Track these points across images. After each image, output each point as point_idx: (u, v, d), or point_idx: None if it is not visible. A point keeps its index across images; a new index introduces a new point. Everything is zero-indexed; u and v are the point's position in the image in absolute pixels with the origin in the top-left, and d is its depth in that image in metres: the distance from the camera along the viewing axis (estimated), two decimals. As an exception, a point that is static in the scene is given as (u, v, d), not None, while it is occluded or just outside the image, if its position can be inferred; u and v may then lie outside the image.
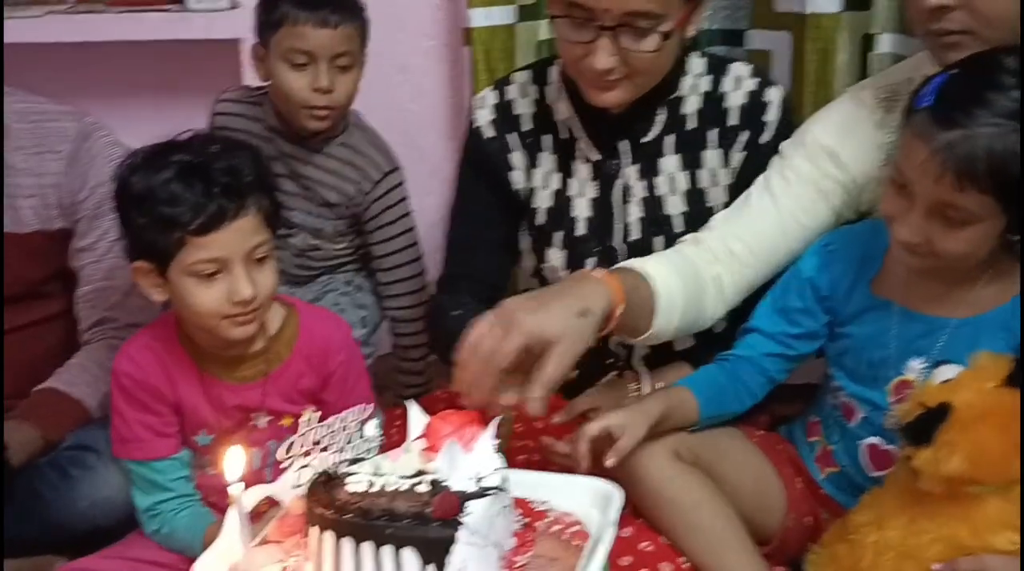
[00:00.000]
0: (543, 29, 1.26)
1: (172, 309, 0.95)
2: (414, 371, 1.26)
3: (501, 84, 1.07)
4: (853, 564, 0.82)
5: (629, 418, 0.83)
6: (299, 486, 0.69)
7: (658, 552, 0.84)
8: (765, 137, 0.98)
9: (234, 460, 0.70)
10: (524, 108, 1.05)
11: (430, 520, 0.63)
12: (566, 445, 0.88)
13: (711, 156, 1.00)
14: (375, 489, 0.66)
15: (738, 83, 0.99)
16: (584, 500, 0.75)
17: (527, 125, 1.04)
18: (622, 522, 0.76)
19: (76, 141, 1.10)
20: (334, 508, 0.65)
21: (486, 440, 0.71)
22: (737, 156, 0.99)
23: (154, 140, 0.91)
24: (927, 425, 0.76)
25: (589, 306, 0.76)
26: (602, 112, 0.99)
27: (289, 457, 0.69)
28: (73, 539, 1.01)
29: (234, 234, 0.87)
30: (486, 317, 0.75)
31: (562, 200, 1.04)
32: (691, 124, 1.00)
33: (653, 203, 1.01)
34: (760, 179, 0.95)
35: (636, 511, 0.87)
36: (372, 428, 0.73)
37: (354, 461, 0.70)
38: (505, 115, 1.05)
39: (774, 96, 0.98)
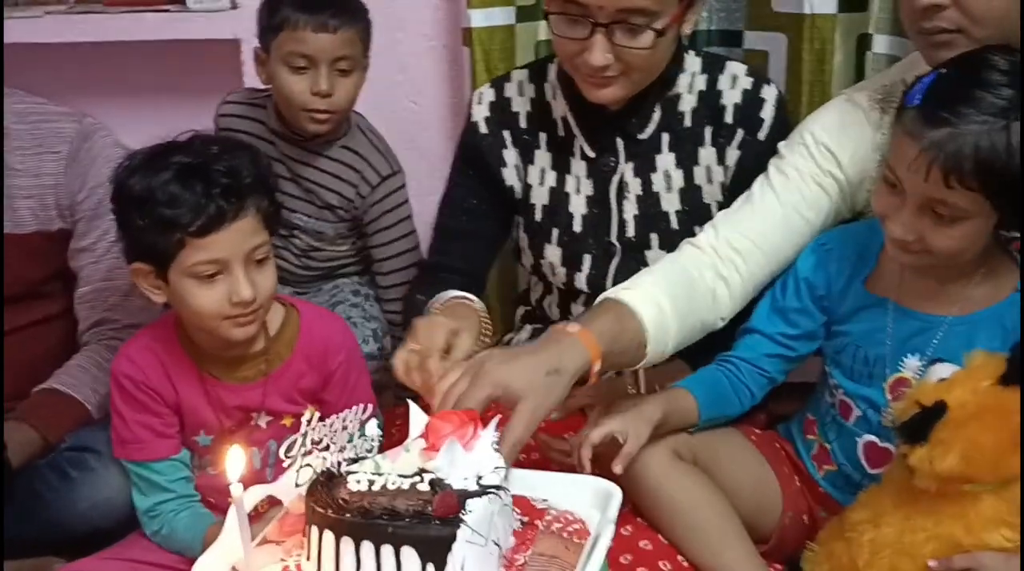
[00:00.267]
0: (542, 30, 1.27)
1: (172, 310, 0.95)
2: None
3: (499, 82, 1.08)
4: (849, 561, 0.83)
5: (631, 423, 0.84)
6: (299, 485, 0.69)
7: (657, 550, 0.85)
8: (760, 135, 0.99)
9: (235, 460, 0.70)
10: (521, 106, 1.05)
11: (431, 519, 0.64)
12: (564, 443, 0.88)
13: (706, 154, 1.01)
14: (376, 488, 0.66)
15: (734, 81, 1.00)
16: (584, 498, 0.75)
17: (524, 122, 1.05)
18: (622, 521, 0.77)
19: (76, 142, 1.10)
20: (334, 507, 0.65)
21: (486, 439, 0.71)
22: (732, 154, 1.00)
23: (154, 141, 0.91)
24: (923, 424, 0.76)
25: (561, 365, 0.77)
26: (598, 109, 0.99)
27: (290, 456, 0.69)
28: (73, 540, 1.01)
29: (234, 235, 0.87)
30: (457, 367, 0.77)
31: (558, 197, 1.04)
32: (687, 122, 1.00)
33: (649, 200, 1.02)
34: (760, 178, 0.95)
35: (635, 510, 0.87)
36: (372, 427, 0.73)
37: (354, 460, 0.71)
38: (502, 112, 1.05)
39: (769, 95, 0.99)
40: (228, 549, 0.71)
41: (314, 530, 0.67)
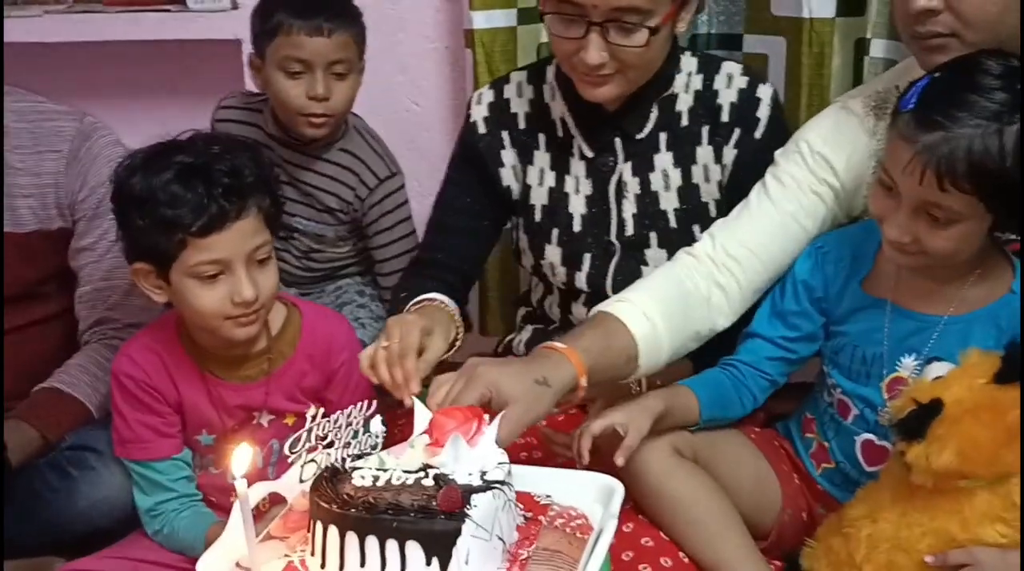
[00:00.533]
0: (544, 32, 1.27)
1: (173, 309, 0.95)
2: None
3: (498, 83, 1.08)
4: (847, 557, 0.83)
5: (632, 415, 0.85)
6: (304, 481, 0.70)
7: (658, 547, 0.85)
8: (757, 134, 1.00)
9: (240, 456, 0.70)
10: (520, 107, 1.06)
11: (435, 514, 0.64)
12: (565, 436, 0.89)
13: (704, 152, 1.02)
14: (380, 484, 0.67)
15: (729, 81, 1.01)
16: (587, 494, 0.76)
17: (522, 123, 1.06)
18: (623, 518, 0.77)
19: (76, 141, 1.10)
20: (339, 502, 0.66)
21: (489, 435, 0.72)
22: (729, 153, 1.01)
23: (154, 141, 0.91)
24: (919, 421, 0.78)
25: (548, 376, 0.79)
26: (596, 110, 1.00)
27: (295, 452, 0.69)
28: (73, 539, 1.01)
29: (235, 235, 0.87)
30: (449, 374, 0.79)
31: (558, 197, 1.05)
32: (684, 121, 1.02)
33: (647, 199, 1.03)
34: (757, 186, 0.96)
35: (637, 507, 0.88)
36: (376, 424, 0.73)
37: (358, 456, 0.71)
38: (500, 113, 1.06)
39: (765, 93, 1.00)
40: (232, 545, 0.71)
41: (318, 525, 0.67)
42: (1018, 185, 0.77)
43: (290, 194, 1.19)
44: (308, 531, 0.70)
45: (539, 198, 1.06)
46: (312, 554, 0.69)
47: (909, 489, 0.81)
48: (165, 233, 0.86)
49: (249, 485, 0.70)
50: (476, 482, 0.67)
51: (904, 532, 0.81)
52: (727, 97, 1.00)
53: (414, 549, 0.64)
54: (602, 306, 0.89)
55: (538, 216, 1.06)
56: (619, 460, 0.82)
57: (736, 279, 0.93)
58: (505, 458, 0.71)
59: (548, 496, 0.76)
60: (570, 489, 0.76)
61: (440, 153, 1.13)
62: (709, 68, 1.01)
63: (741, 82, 1.00)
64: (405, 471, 0.68)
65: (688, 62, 1.02)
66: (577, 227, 1.05)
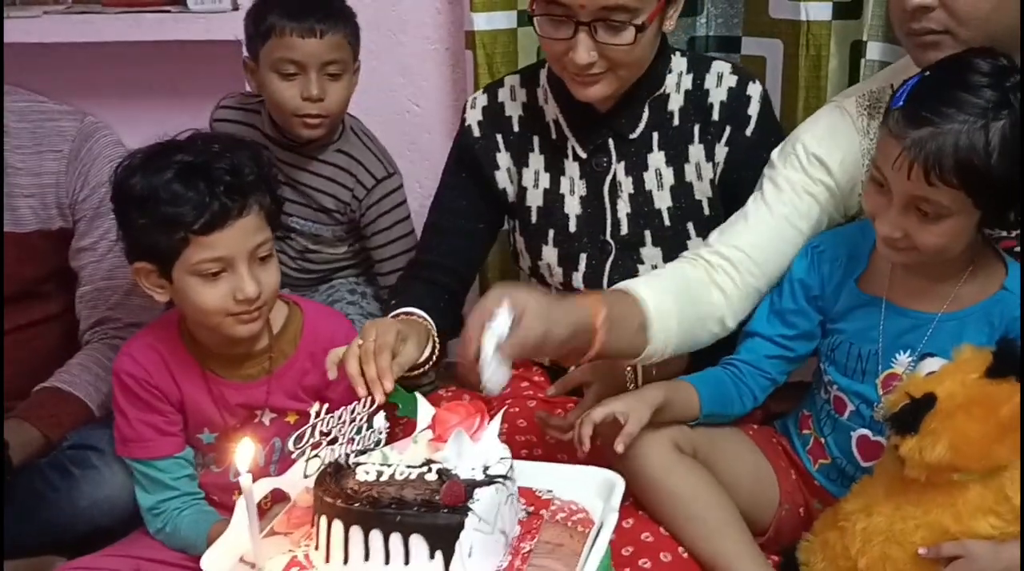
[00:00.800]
0: (544, 34, 1.28)
1: (174, 308, 0.96)
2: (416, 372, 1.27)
3: (492, 87, 1.10)
4: (843, 550, 0.85)
5: (632, 404, 0.86)
6: (308, 476, 0.70)
7: (658, 542, 0.86)
8: (747, 131, 1.01)
9: (244, 452, 0.71)
10: (514, 110, 1.07)
11: (439, 507, 0.65)
12: (560, 420, 0.90)
13: (695, 151, 1.03)
14: (384, 478, 0.68)
15: (719, 80, 1.02)
16: (588, 489, 0.77)
17: (516, 126, 1.07)
18: (623, 514, 0.78)
19: (77, 140, 1.10)
20: (343, 497, 0.67)
21: (492, 430, 0.73)
22: (721, 150, 1.02)
23: (154, 141, 0.91)
24: (913, 415, 0.79)
25: (567, 306, 0.81)
26: (589, 111, 1.02)
27: (299, 448, 0.70)
28: (74, 539, 1.01)
29: (237, 233, 0.87)
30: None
31: (553, 198, 1.06)
32: (675, 121, 1.03)
33: (641, 198, 1.04)
34: (754, 193, 0.98)
35: (637, 503, 0.88)
36: (380, 420, 0.74)
37: (362, 452, 0.72)
38: (495, 116, 1.07)
39: (754, 91, 1.02)
40: (237, 540, 0.71)
41: (323, 520, 0.68)
42: (1005, 182, 0.78)
43: (287, 195, 1.19)
44: (312, 526, 0.70)
45: (535, 200, 1.07)
46: (316, 548, 0.69)
47: (903, 483, 0.82)
48: (167, 231, 0.86)
49: (253, 481, 0.70)
50: (479, 477, 0.68)
51: (898, 525, 0.82)
52: (717, 96, 1.01)
53: (418, 542, 0.65)
54: (618, 285, 0.91)
55: (534, 218, 1.07)
56: (619, 447, 0.83)
57: (733, 280, 0.94)
58: (507, 453, 0.72)
59: (550, 491, 0.77)
60: (571, 484, 0.77)
61: (441, 155, 1.13)
62: (699, 68, 1.03)
63: (731, 81, 1.02)
64: (408, 466, 0.69)
65: (678, 62, 1.03)
66: (573, 228, 1.06)
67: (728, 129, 1.01)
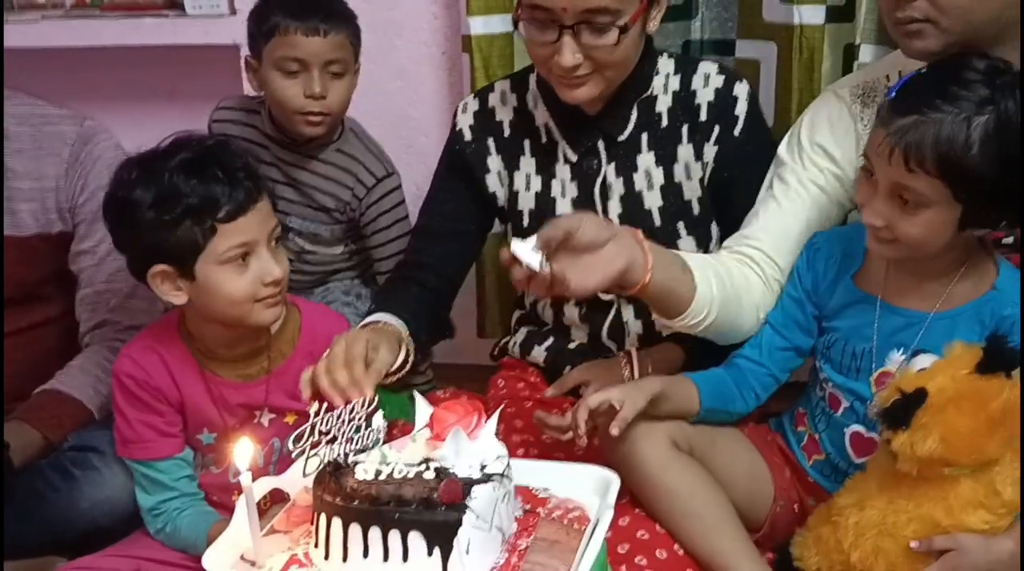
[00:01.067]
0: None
1: (173, 310, 0.96)
2: (416, 371, 1.28)
3: (483, 92, 1.11)
4: (836, 544, 0.86)
5: (628, 391, 0.87)
6: (307, 475, 0.71)
7: (654, 539, 0.87)
8: (735, 131, 1.02)
9: (242, 450, 0.71)
10: (504, 115, 1.08)
11: (437, 505, 0.66)
12: (558, 418, 0.91)
13: (684, 151, 1.04)
14: (383, 477, 0.68)
15: (706, 81, 1.03)
16: (584, 486, 0.77)
17: (507, 131, 1.08)
18: (619, 512, 0.79)
19: (77, 144, 1.11)
20: (342, 495, 0.67)
21: (489, 429, 0.73)
22: (710, 150, 1.03)
23: (152, 145, 0.91)
24: (904, 410, 0.80)
25: (619, 232, 0.84)
26: (578, 114, 1.03)
27: (298, 447, 0.71)
28: (75, 539, 1.01)
29: (258, 216, 0.89)
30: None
31: (545, 201, 1.07)
32: (664, 122, 1.04)
33: (631, 198, 1.05)
34: (764, 190, 0.99)
35: (633, 500, 0.89)
36: (378, 419, 0.75)
37: (361, 451, 0.72)
38: (485, 122, 1.08)
39: (741, 91, 1.03)
40: (237, 539, 0.72)
41: (322, 518, 0.69)
42: (986, 178, 0.79)
43: (287, 194, 1.20)
44: (312, 524, 0.71)
45: (526, 203, 1.08)
46: (316, 546, 0.70)
47: (895, 477, 0.83)
48: (196, 224, 0.86)
49: (253, 480, 0.71)
50: (476, 475, 0.69)
51: (890, 518, 0.83)
52: (705, 96, 1.02)
53: (416, 539, 0.66)
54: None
55: (526, 221, 1.08)
56: (614, 430, 0.84)
57: (759, 276, 0.95)
58: (504, 451, 0.73)
59: (546, 489, 0.78)
60: (567, 482, 0.78)
61: (437, 157, 1.15)
62: (686, 69, 1.04)
63: (717, 81, 1.03)
64: (407, 464, 0.69)
65: (665, 64, 1.04)
66: None
67: (716, 129, 1.02)
